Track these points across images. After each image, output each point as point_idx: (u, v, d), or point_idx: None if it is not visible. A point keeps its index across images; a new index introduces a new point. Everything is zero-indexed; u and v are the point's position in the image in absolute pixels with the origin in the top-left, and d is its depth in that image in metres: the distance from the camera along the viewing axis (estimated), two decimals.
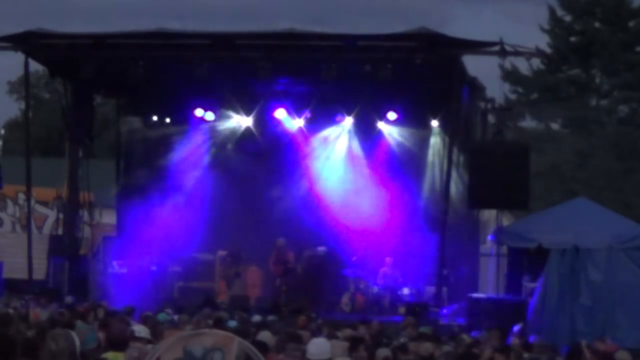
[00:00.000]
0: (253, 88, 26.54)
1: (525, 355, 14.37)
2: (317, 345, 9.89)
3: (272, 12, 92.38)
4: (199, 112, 28.57)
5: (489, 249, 27.46)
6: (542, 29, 48.95)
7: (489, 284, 25.70)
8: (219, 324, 14.95)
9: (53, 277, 25.70)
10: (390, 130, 27.73)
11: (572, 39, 48.96)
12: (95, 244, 29.33)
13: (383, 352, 12.29)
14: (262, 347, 10.84)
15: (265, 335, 11.96)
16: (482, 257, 27.33)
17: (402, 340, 14.69)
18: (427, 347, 12.33)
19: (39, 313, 17.19)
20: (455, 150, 24.67)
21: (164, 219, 27.34)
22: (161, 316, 17.96)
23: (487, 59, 24.39)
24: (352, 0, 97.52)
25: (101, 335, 12.17)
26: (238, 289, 26.73)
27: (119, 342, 9.29)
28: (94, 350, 10.64)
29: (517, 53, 23.78)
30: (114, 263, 27.64)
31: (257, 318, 19.26)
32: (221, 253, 27.86)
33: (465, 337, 16.47)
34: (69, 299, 23.00)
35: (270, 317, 20.35)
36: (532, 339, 18.80)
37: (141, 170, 29.00)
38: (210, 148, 28.70)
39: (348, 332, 15.15)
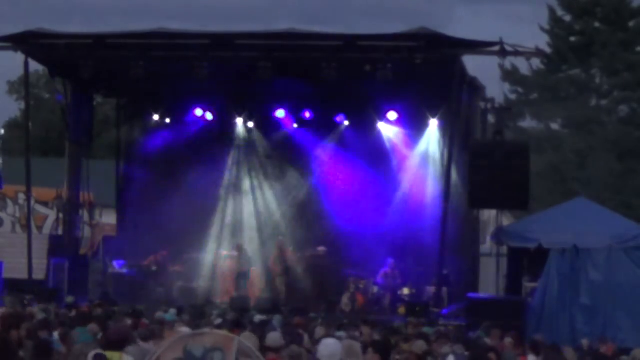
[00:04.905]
0: (253, 88, 26.54)
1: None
2: (328, 345, 9.77)
3: (272, 12, 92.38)
4: (198, 112, 28.60)
5: (489, 249, 27.45)
6: (542, 29, 48.91)
7: (489, 284, 25.69)
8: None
9: (53, 277, 25.69)
10: (390, 130, 27.73)
11: (572, 39, 48.89)
12: (95, 244, 29.31)
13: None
14: (267, 349, 10.80)
15: (273, 337, 11.90)
16: (482, 257, 27.32)
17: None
18: (420, 345, 12.26)
19: (36, 313, 17.18)
20: (455, 150, 24.67)
21: (165, 219, 27.35)
22: (168, 316, 17.95)
23: (487, 59, 24.42)
24: (352, 0, 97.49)
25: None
26: (243, 290, 26.70)
27: (117, 342, 9.28)
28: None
29: (517, 53, 23.77)
30: (114, 263, 27.64)
31: (257, 318, 19.22)
32: (223, 253, 27.88)
33: (485, 342, 16.29)
34: (70, 299, 23.00)
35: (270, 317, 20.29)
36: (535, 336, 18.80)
37: (141, 170, 29.01)
38: (209, 148, 28.67)
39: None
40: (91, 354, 9.21)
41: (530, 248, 23.11)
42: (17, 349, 9.77)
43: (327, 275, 26.82)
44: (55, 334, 13.31)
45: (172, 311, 19.24)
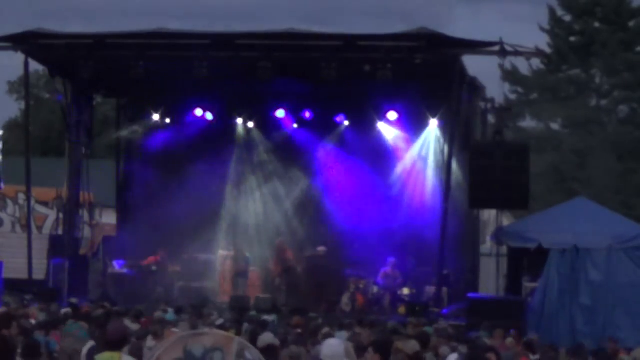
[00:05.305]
0: (253, 88, 26.53)
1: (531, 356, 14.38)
2: (331, 346, 9.77)
3: (272, 12, 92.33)
4: (198, 112, 28.59)
5: (489, 249, 27.45)
6: (542, 29, 48.97)
7: (489, 284, 25.69)
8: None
9: (53, 277, 25.68)
10: (390, 129, 27.72)
11: (572, 39, 48.95)
12: (95, 244, 29.30)
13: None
14: (271, 350, 10.79)
15: (267, 337, 11.91)
16: (482, 257, 27.32)
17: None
18: (412, 345, 12.25)
19: (33, 313, 17.22)
20: (455, 150, 24.68)
21: (165, 219, 27.35)
22: (168, 316, 17.98)
23: (487, 59, 24.42)
24: (352, 0, 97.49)
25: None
26: (241, 290, 26.69)
27: (116, 342, 9.27)
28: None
29: (517, 53, 23.77)
30: (114, 263, 27.63)
31: (257, 318, 19.22)
32: (224, 253, 27.87)
33: (483, 341, 16.31)
34: (73, 300, 23.02)
35: (271, 317, 20.31)
36: (529, 335, 18.84)
37: (141, 171, 29.01)
38: (209, 148, 28.66)
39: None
40: (86, 347, 9.21)
41: (530, 248, 23.11)
42: (16, 348, 9.77)
43: (327, 275, 26.79)
44: (54, 334, 13.32)
45: (171, 311, 19.25)
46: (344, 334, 14.92)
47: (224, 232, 28.39)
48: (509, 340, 16.37)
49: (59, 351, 12.16)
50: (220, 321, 16.84)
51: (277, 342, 11.85)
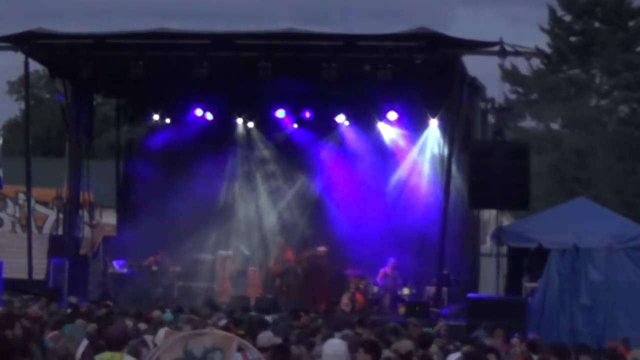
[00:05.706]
0: (253, 88, 26.54)
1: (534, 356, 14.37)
2: (333, 345, 9.77)
3: (272, 12, 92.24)
4: (198, 112, 28.60)
5: (489, 249, 27.44)
6: (542, 29, 48.94)
7: (489, 284, 25.67)
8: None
9: (53, 277, 25.68)
10: (390, 130, 27.72)
11: (572, 39, 48.92)
12: (95, 244, 29.31)
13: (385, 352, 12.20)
14: (281, 349, 10.76)
15: (266, 336, 11.88)
16: (482, 257, 27.31)
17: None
18: (404, 345, 12.24)
19: (33, 312, 17.18)
20: (455, 150, 24.68)
21: (165, 219, 27.35)
22: (166, 316, 17.96)
23: (487, 59, 24.42)
24: (352, 0, 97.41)
25: None
26: (241, 290, 26.70)
27: (117, 342, 9.27)
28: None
29: (517, 53, 23.77)
30: (114, 263, 27.63)
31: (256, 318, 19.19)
32: (224, 253, 27.87)
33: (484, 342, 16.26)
34: (72, 299, 22.99)
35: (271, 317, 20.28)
36: (530, 335, 18.85)
37: (141, 170, 29.01)
38: (209, 148, 28.67)
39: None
40: (80, 348, 9.19)
41: (530, 248, 23.11)
42: (17, 349, 9.77)
43: (327, 275, 26.81)
44: (52, 334, 13.27)
45: (169, 311, 19.22)
46: (342, 333, 14.90)
47: (224, 232, 28.38)
48: (514, 339, 16.36)
49: (51, 351, 12.11)
50: (223, 322, 16.81)
51: (272, 342, 11.83)
